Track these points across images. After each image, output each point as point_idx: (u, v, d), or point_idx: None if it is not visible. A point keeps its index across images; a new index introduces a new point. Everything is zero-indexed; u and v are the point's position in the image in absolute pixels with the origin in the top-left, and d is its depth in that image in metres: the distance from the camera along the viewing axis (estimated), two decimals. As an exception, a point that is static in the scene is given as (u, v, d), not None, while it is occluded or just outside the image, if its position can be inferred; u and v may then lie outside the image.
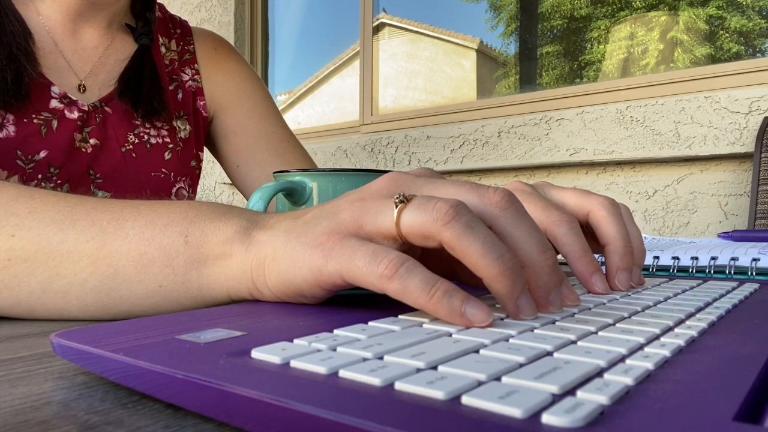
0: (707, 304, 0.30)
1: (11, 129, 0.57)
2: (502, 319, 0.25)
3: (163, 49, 0.71)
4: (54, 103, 0.60)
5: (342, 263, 0.26)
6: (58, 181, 0.60)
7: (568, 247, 0.34)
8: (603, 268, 0.39)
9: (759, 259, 0.47)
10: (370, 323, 0.24)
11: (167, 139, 0.68)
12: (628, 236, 0.37)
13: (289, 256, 0.29)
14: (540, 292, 0.27)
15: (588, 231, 0.38)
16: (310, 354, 0.19)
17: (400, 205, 0.26)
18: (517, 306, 0.25)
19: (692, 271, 0.50)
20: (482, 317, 0.23)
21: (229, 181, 0.79)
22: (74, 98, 0.61)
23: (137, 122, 0.65)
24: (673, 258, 0.51)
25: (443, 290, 0.24)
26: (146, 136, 0.66)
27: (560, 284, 0.28)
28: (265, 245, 0.30)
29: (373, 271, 0.25)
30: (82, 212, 0.33)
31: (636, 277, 0.37)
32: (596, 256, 0.40)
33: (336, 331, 0.22)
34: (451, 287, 0.24)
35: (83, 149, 0.61)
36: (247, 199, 0.71)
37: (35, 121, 0.58)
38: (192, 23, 0.79)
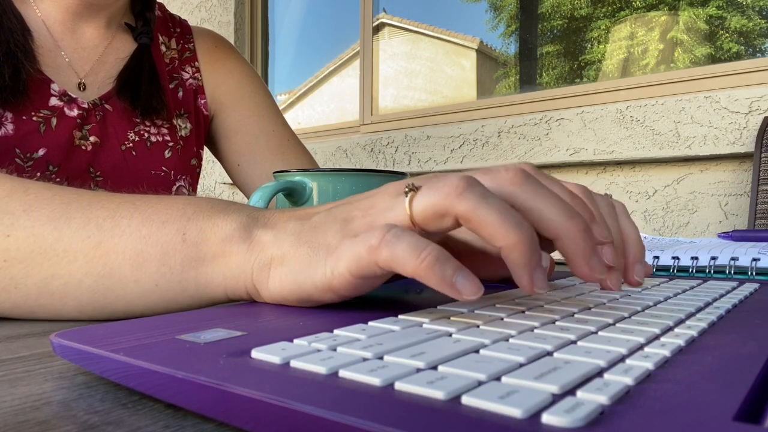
0: (707, 304, 0.30)
1: (10, 127, 0.57)
2: (501, 318, 0.25)
3: (163, 48, 0.71)
4: (54, 101, 0.60)
5: (348, 257, 0.26)
6: (57, 179, 0.60)
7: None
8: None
9: (759, 259, 0.47)
10: (370, 323, 0.24)
11: (167, 138, 0.68)
12: (636, 229, 0.37)
13: (301, 261, 0.28)
14: (578, 260, 0.26)
15: None
16: (310, 354, 0.19)
17: (410, 194, 0.26)
18: (532, 278, 0.24)
19: (692, 271, 0.50)
20: (472, 289, 0.23)
21: (230, 181, 0.79)
22: (74, 96, 0.61)
23: (137, 120, 0.65)
24: (673, 258, 0.51)
25: (434, 256, 0.23)
26: (146, 134, 0.66)
27: (596, 249, 0.26)
28: (270, 246, 0.30)
29: (366, 243, 0.25)
30: (78, 209, 0.32)
31: (641, 272, 0.37)
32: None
33: (336, 331, 0.22)
34: (443, 254, 0.24)
35: (83, 147, 0.61)
36: (248, 199, 0.71)
37: (34, 118, 0.58)
38: (192, 23, 0.79)
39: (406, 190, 0.26)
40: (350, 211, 0.28)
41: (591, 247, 0.26)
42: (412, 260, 0.23)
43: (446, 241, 0.32)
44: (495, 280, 0.37)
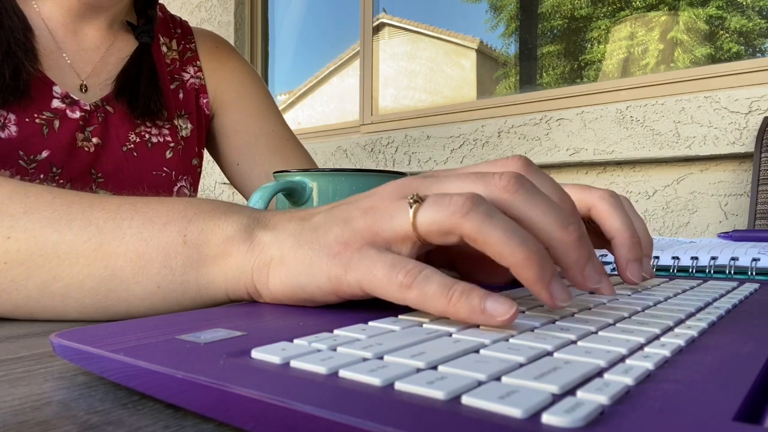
0: (707, 304, 0.30)
1: (13, 129, 0.57)
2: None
3: (164, 49, 0.71)
4: (56, 103, 0.60)
5: (362, 274, 0.26)
6: (60, 181, 0.60)
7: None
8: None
9: (759, 259, 0.47)
10: (370, 323, 0.24)
11: (168, 138, 0.68)
12: (634, 227, 0.37)
13: (302, 262, 0.28)
14: (572, 270, 0.26)
15: (590, 226, 0.38)
16: (310, 354, 0.19)
17: (414, 205, 0.26)
18: (551, 292, 0.24)
19: (692, 271, 0.50)
20: (503, 310, 0.22)
21: (229, 181, 0.79)
22: (76, 98, 0.61)
23: (138, 121, 0.65)
24: (673, 258, 0.51)
25: (460, 291, 0.23)
26: (147, 135, 0.66)
27: (592, 257, 0.26)
28: (270, 247, 0.30)
29: (392, 280, 0.25)
30: (78, 211, 0.32)
31: (647, 268, 0.36)
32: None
33: (336, 331, 0.22)
34: (468, 286, 0.24)
35: (85, 148, 0.61)
36: (247, 199, 0.71)
37: (37, 121, 0.58)
38: (192, 23, 0.80)
39: (411, 200, 0.26)
40: (350, 211, 0.28)
41: (585, 256, 0.26)
42: (442, 300, 0.24)
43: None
44: (508, 282, 0.36)
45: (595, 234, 0.37)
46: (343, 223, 0.28)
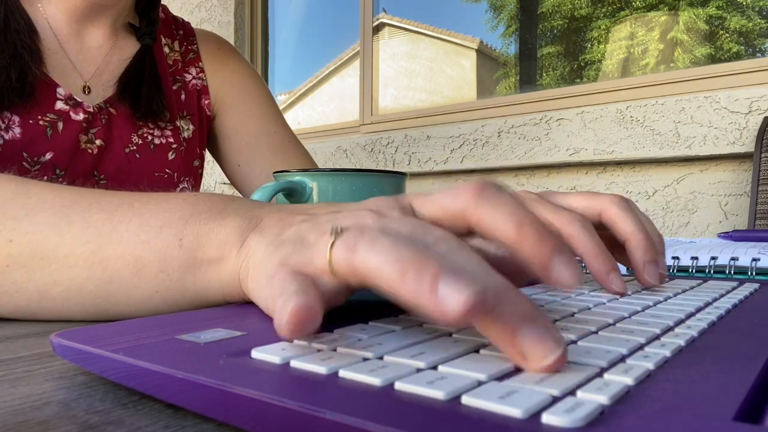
0: (707, 304, 0.30)
1: (17, 131, 0.57)
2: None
3: (166, 50, 0.71)
4: (59, 105, 0.60)
5: (281, 317, 0.22)
6: (63, 183, 0.60)
7: (583, 245, 0.32)
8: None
9: (759, 259, 0.47)
10: (370, 323, 0.24)
11: (171, 140, 0.68)
12: (646, 229, 0.36)
13: (260, 277, 0.26)
14: (537, 267, 0.22)
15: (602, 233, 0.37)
16: (310, 354, 0.19)
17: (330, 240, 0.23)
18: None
19: (692, 271, 0.50)
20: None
21: (230, 182, 0.79)
22: (79, 100, 0.61)
23: (141, 123, 0.65)
24: (673, 258, 0.51)
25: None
26: (150, 137, 0.66)
27: (558, 250, 0.22)
28: (252, 254, 0.29)
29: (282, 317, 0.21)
30: (77, 212, 0.32)
31: (662, 267, 0.36)
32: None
33: (336, 331, 0.22)
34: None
35: (89, 150, 0.61)
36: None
37: (41, 122, 0.58)
38: (192, 23, 0.80)
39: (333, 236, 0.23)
40: (306, 232, 0.26)
41: (550, 249, 0.22)
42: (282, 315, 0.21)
43: None
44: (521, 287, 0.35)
45: (607, 240, 0.37)
46: (300, 244, 0.25)
